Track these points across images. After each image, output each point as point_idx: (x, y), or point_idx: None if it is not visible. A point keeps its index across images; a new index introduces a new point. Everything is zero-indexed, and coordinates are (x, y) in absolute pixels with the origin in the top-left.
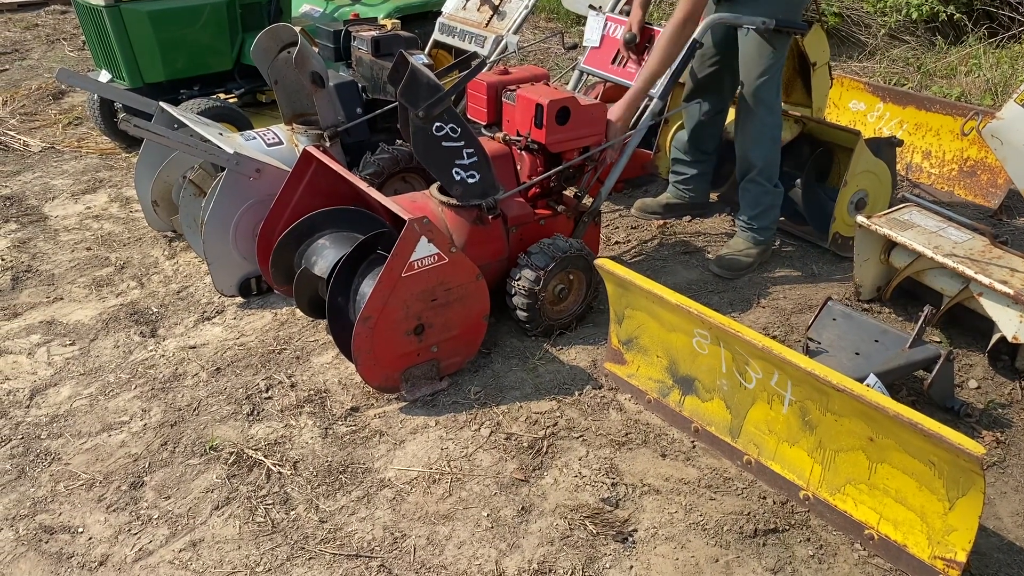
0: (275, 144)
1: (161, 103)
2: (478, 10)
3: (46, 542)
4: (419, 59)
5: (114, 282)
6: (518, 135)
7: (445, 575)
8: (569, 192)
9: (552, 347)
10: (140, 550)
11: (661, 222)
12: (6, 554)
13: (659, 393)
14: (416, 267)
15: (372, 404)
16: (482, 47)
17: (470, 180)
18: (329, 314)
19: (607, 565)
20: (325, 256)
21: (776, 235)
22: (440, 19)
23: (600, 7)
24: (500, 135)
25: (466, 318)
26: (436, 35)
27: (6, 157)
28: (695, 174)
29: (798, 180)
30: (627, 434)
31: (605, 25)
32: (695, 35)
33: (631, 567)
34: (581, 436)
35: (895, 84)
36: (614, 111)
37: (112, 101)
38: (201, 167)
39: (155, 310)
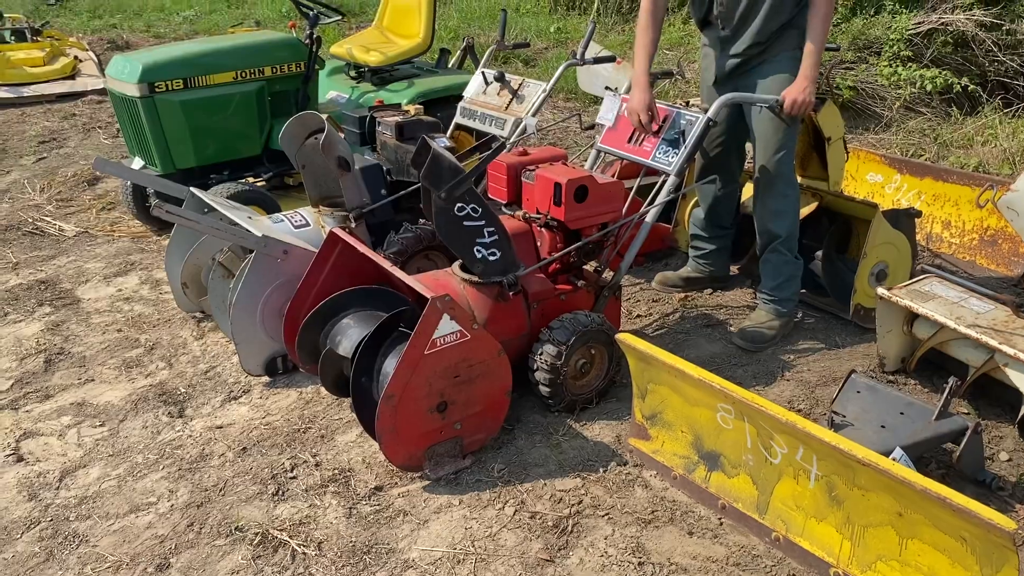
0: (302, 226)
1: (192, 188)
2: (498, 94)
3: None
4: (441, 142)
5: (143, 363)
6: (537, 212)
7: None
8: (589, 267)
9: (576, 422)
10: None
11: (682, 295)
12: None
13: (685, 469)
14: (439, 344)
15: (396, 483)
16: (502, 129)
17: (491, 258)
18: (353, 393)
19: None
20: (349, 336)
21: (798, 307)
22: (461, 103)
23: (616, 89)
24: (520, 213)
25: (489, 394)
26: (458, 118)
27: (42, 242)
28: (714, 249)
29: (818, 252)
30: (653, 512)
31: (620, 106)
32: (709, 114)
33: None
34: (607, 514)
35: (912, 155)
36: (800, 79)
37: (144, 188)
38: (230, 249)
39: (183, 390)
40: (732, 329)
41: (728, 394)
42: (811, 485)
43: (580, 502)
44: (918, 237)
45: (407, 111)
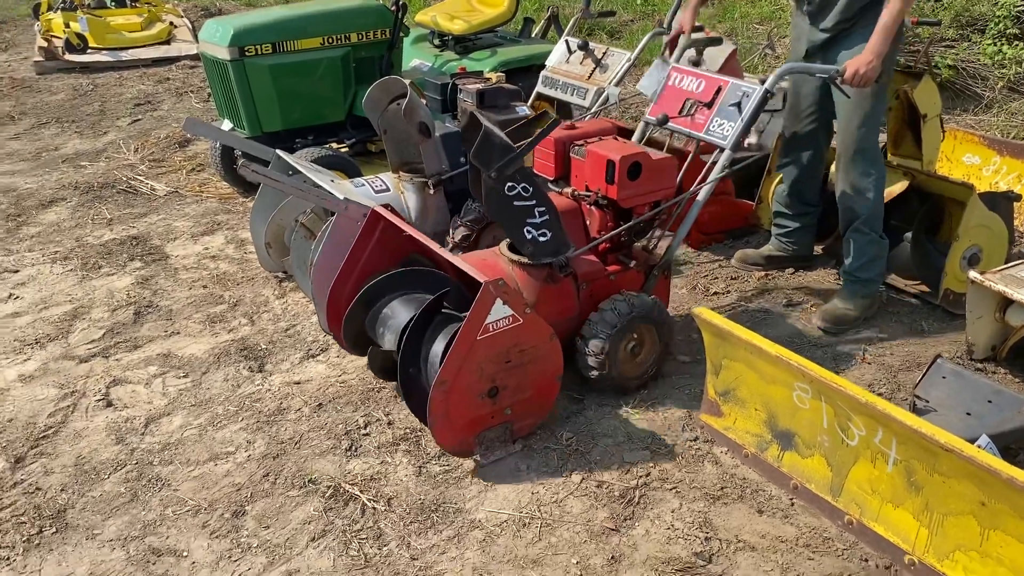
0: (383, 191)
1: (278, 151)
2: (581, 63)
3: (153, 563)
4: (521, 111)
5: (227, 319)
6: (587, 190)
7: None
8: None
9: (646, 396)
10: None
11: (762, 274)
12: (116, 573)
13: (757, 447)
14: (491, 330)
15: None
16: (584, 99)
17: (541, 239)
18: (401, 381)
19: None
20: (391, 327)
21: (883, 289)
22: (543, 72)
23: (664, 56)
24: (568, 190)
25: (540, 379)
26: (539, 87)
27: (135, 200)
28: (798, 227)
29: (907, 234)
30: (722, 488)
31: (670, 76)
32: (767, 85)
33: None
34: (674, 488)
35: (1013, 138)
36: (867, 52)
37: (232, 149)
38: (313, 211)
39: (264, 346)
40: (813, 310)
41: (806, 373)
42: (889, 469)
43: (648, 474)
44: (1016, 222)
45: (489, 79)
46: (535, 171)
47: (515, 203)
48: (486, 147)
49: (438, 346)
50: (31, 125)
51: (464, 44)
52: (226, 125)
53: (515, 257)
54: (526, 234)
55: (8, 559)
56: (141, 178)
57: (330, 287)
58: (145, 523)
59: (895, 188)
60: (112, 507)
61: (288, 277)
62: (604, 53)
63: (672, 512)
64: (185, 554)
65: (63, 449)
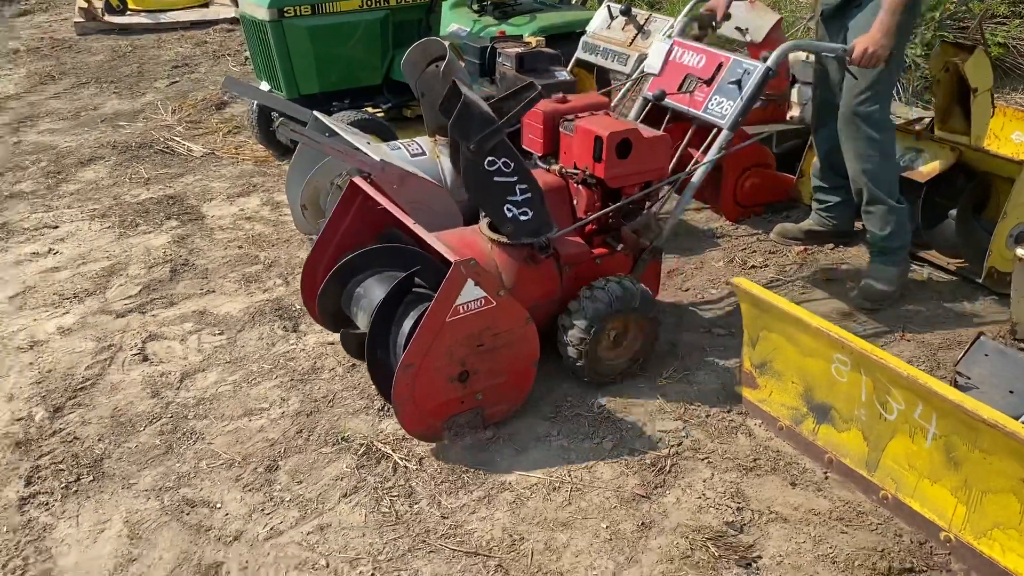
0: (419, 155)
1: (315, 112)
2: (622, 29)
3: (187, 514)
4: (561, 75)
5: (261, 279)
6: (575, 168)
7: None
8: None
9: (680, 367)
10: (271, 529)
11: (801, 249)
12: (151, 522)
13: (792, 420)
14: (462, 311)
15: None
16: (624, 65)
17: (522, 217)
18: (369, 362)
19: None
20: (364, 308)
21: (921, 265)
22: (584, 38)
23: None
24: (556, 167)
25: (514, 364)
26: (579, 53)
27: (172, 160)
28: (838, 201)
29: (952, 211)
30: (755, 460)
31: (671, 50)
32: (769, 63)
33: None
34: (707, 458)
35: None
36: (874, 30)
37: (269, 112)
38: (348, 174)
39: (298, 307)
40: (851, 286)
41: (846, 344)
42: (927, 444)
43: (680, 444)
44: None
45: (529, 43)
46: (523, 146)
47: (495, 179)
48: (465, 118)
49: (407, 327)
50: (71, 85)
51: (503, 9)
52: (264, 86)
53: (495, 236)
54: (506, 212)
55: (47, 504)
56: (178, 139)
57: (304, 262)
58: (179, 475)
59: (941, 164)
60: (147, 458)
61: None
62: (647, 19)
63: (704, 482)
64: (219, 506)
65: (100, 401)
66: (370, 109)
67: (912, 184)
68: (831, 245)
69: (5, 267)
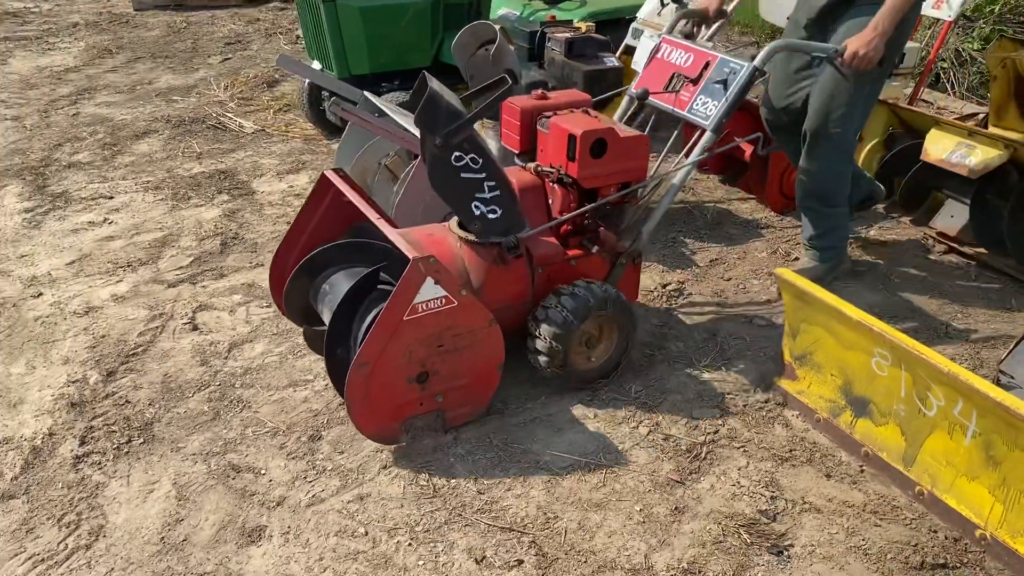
0: None
1: (366, 92)
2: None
3: (233, 478)
4: (610, 62)
5: None
6: (551, 167)
7: (593, 560)
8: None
9: (719, 356)
10: (313, 496)
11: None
12: (199, 485)
13: (830, 413)
14: (420, 310)
15: (534, 390)
16: None
17: (491, 216)
18: (328, 364)
19: (759, 575)
20: (328, 304)
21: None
22: (633, 24)
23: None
24: (532, 165)
25: (476, 367)
26: (628, 39)
27: (223, 136)
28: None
29: (1003, 209)
30: (791, 450)
31: (659, 48)
32: (756, 62)
33: None
34: (742, 447)
35: None
36: (868, 30)
37: (320, 92)
38: (396, 154)
39: None
40: (895, 278)
41: (888, 339)
42: (966, 442)
43: (716, 432)
44: None
45: (578, 28)
46: (503, 144)
47: (462, 175)
48: (431, 111)
49: (367, 324)
50: (127, 59)
51: None
52: (316, 66)
53: (463, 234)
54: (474, 210)
55: (100, 464)
56: (230, 115)
57: (274, 255)
58: (226, 440)
59: (993, 160)
60: (196, 424)
61: None
62: None
63: (739, 470)
64: (263, 472)
65: (151, 367)
66: None
67: (964, 181)
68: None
69: (63, 235)
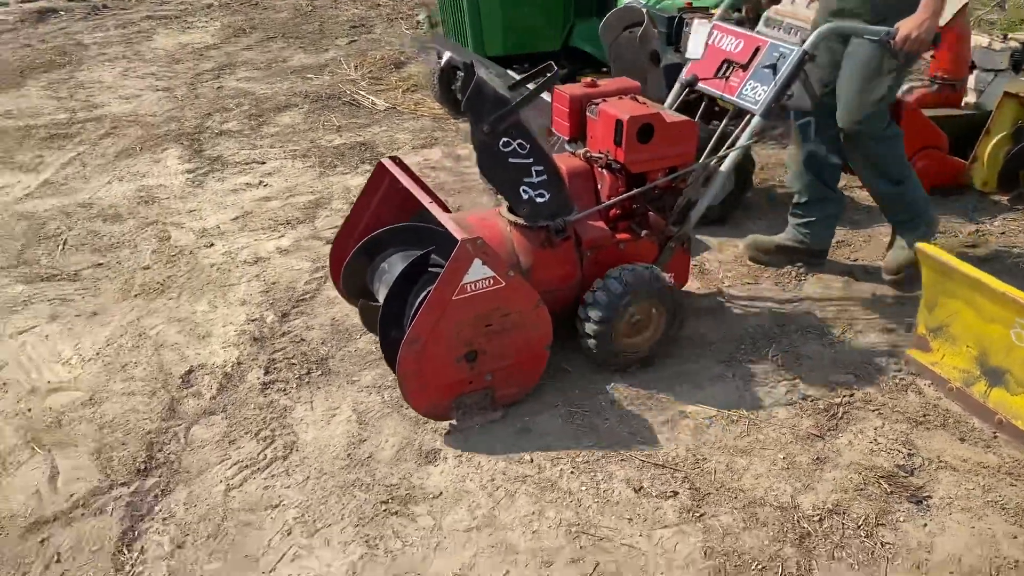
0: None
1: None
2: (807, 6)
3: (406, 408)
4: None
5: None
6: (600, 152)
7: (743, 497)
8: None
9: (851, 327)
10: (480, 427)
11: (973, 228)
12: (376, 412)
13: (963, 382)
14: (468, 290)
15: (670, 351)
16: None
17: (539, 200)
18: (382, 341)
19: (901, 519)
20: (385, 282)
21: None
22: (767, 12)
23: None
24: (582, 151)
25: (524, 346)
26: (761, 27)
27: (358, 112)
28: (815, 219)
29: None
30: (925, 415)
31: (711, 34)
32: (806, 46)
33: (925, 525)
34: (877, 410)
35: None
36: (921, 11)
37: (453, 73)
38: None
39: None
40: (1013, 263)
41: None
42: None
43: (852, 395)
44: None
45: (714, 15)
46: (553, 129)
47: (510, 160)
48: (478, 98)
49: (418, 303)
50: (260, 39)
51: None
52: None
53: (512, 218)
54: (522, 194)
55: (285, 390)
56: (362, 93)
57: (334, 239)
58: (395, 377)
59: None
60: (366, 361)
61: None
62: None
63: (875, 429)
64: None
65: (319, 311)
66: None
67: None
68: (800, 265)
69: (224, 194)
